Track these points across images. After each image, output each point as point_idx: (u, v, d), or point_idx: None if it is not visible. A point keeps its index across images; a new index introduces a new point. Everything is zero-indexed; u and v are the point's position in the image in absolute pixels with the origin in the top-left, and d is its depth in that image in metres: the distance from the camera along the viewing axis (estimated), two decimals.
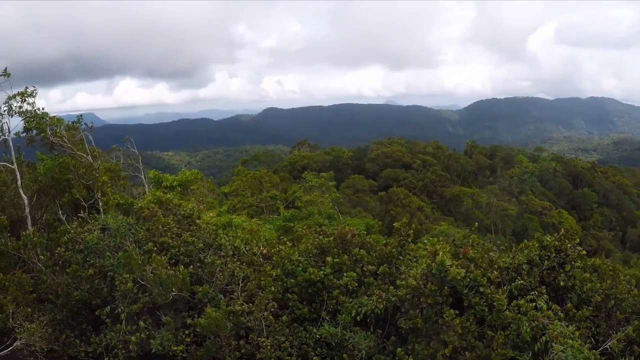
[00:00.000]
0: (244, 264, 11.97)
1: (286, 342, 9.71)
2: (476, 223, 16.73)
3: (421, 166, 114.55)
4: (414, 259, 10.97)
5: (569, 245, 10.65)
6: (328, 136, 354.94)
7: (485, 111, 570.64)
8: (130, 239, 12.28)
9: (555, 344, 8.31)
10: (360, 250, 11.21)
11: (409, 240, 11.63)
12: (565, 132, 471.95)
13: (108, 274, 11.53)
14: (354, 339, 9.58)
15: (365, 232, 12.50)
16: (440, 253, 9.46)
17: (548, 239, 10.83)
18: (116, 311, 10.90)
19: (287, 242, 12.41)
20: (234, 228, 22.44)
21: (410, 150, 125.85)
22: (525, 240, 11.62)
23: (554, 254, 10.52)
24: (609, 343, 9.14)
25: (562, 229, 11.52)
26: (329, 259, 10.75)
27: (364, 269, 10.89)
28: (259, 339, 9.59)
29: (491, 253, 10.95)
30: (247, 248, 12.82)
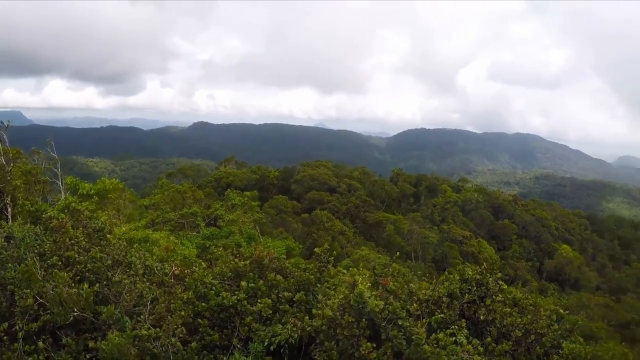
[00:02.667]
0: (155, 284, 11.42)
1: None
2: (397, 252, 16.55)
3: (346, 190, 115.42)
4: (333, 287, 10.68)
5: (491, 279, 10.62)
6: (257, 155, 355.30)
7: (413, 140, 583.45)
8: (35, 251, 11.58)
9: None
10: (277, 275, 10.83)
11: (329, 266, 11.34)
12: (490, 165, 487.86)
13: (8, 287, 10.80)
14: None
15: (284, 256, 12.18)
16: (360, 283, 9.19)
17: (470, 272, 10.75)
18: (14, 328, 10.18)
19: (202, 263, 11.91)
20: (149, 244, 21.72)
21: (337, 174, 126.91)
22: (446, 273, 11.51)
23: (475, 287, 10.46)
24: None
25: (484, 263, 11.50)
26: (243, 283, 10.32)
27: (280, 295, 10.50)
28: None
29: (411, 284, 10.78)
30: (159, 267, 12.26)
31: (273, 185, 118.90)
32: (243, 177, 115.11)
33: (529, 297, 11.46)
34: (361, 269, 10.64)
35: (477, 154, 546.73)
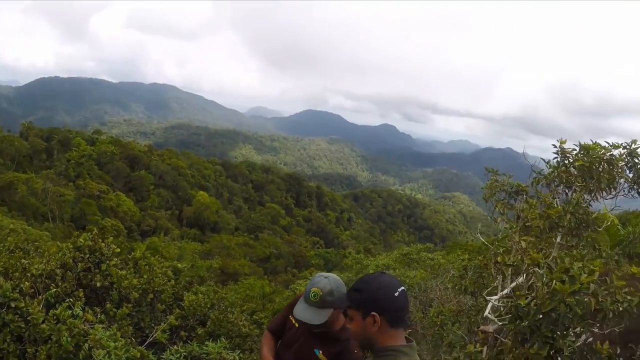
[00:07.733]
0: None
1: None
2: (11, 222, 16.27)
3: None
4: None
5: (103, 244, 10.72)
6: None
7: (46, 90, 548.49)
8: None
9: (98, 349, 8.27)
10: None
11: None
12: (126, 116, 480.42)
13: None
14: None
15: None
16: None
17: (82, 239, 10.63)
18: None
19: None
20: None
21: None
22: (59, 243, 11.47)
23: (89, 255, 10.48)
24: (155, 335, 9.52)
25: (95, 229, 11.63)
26: None
27: None
28: None
29: (24, 260, 10.52)
30: None
31: None
32: None
33: (146, 258, 12.04)
34: None
35: (113, 104, 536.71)
